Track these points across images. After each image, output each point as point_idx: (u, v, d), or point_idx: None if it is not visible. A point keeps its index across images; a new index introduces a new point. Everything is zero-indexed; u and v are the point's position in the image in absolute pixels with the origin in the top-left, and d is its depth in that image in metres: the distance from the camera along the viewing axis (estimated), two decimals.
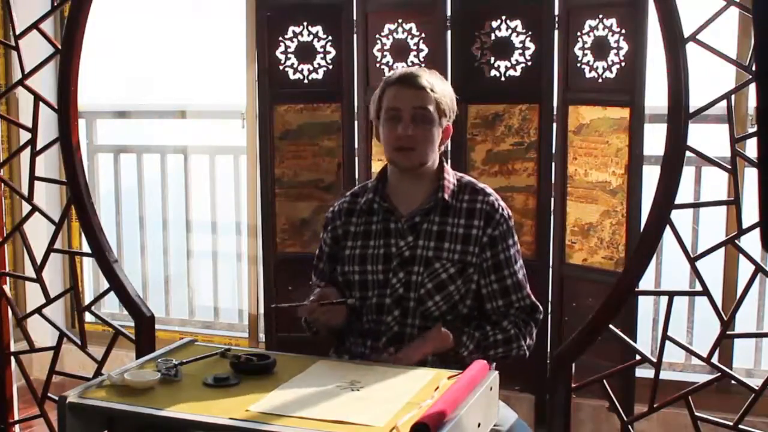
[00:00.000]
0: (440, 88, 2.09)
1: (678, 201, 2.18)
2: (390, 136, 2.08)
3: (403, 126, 2.05)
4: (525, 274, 2.16)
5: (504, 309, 2.11)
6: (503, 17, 2.74)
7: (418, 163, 2.08)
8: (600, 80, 2.62)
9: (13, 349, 2.77)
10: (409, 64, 2.83)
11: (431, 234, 2.09)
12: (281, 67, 2.93)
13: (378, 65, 2.85)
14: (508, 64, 2.76)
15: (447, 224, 2.10)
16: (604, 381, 2.29)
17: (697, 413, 2.24)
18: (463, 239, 2.08)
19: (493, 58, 2.76)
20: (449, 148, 2.80)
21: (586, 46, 2.64)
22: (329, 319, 2.04)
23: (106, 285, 2.64)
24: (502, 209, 2.13)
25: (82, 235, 2.85)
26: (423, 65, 2.81)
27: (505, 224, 2.12)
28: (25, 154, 2.68)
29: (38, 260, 2.67)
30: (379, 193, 2.15)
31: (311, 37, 2.91)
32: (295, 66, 2.93)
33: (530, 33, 2.73)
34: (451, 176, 2.15)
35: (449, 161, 2.77)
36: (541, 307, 2.16)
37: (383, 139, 2.12)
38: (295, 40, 2.92)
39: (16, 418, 2.82)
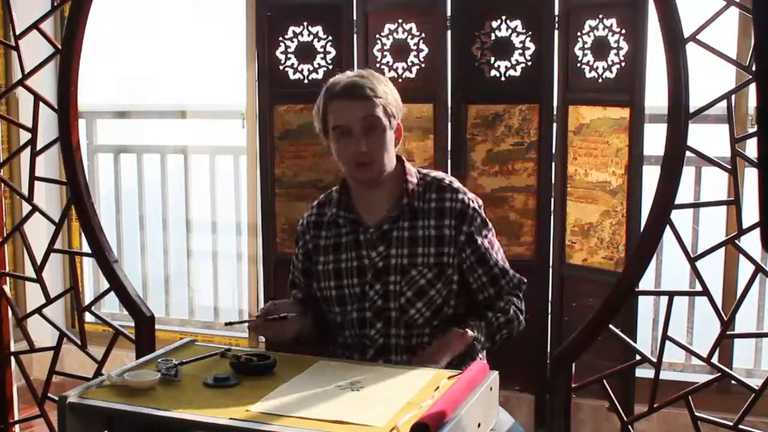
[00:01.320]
0: (383, 90, 2.04)
1: (678, 201, 2.18)
2: (346, 153, 2.03)
3: (356, 141, 2.00)
4: (503, 255, 2.16)
5: (496, 295, 2.12)
6: (503, 17, 2.74)
7: (378, 173, 2.05)
8: (600, 80, 2.62)
9: (13, 349, 2.77)
10: (409, 64, 2.83)
11: (403, 240, 2.06)
12: (281, 67, 2.93)
13: (378, 65, 2.85)
14: (508, 64, 2.75)
15: (417, 228, 2.06)
16: (604, 381, 2.29)
17: (697, 413, 2.24)
18: (436, 241, 2.05)
19: (493, 58, 2.76)
20: (449, 148, 2.81)
21: (586, 46, 2.64)
22: (275, 334, 2.02)
23: (106, 285, 2.64)
24: (472, 202, 2.09)
25: (82, 235, 2.84)
26: (423, 65, 2.81)
27: (478, 218, 2.09)
28: (25, 154, 2.68)
29: (38, 260, 2.67)
30: (343, 205, 2.12)
31: (311, 37, 2.91)
32: (295, 66, 2.92)
33: (530, 33, 2.72)
34: (413, 176, 2.10)
35: (449, 161, 2.79)
36: (524, 279, 2.18)
37: (338, 156, 2.06)
38: (295, 40, 2.92)
39: (16, 418, 2.82)
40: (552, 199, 2.76)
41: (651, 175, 2.36)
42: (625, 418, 2.30)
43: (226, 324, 2.24)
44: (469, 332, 2.02)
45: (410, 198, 2.07)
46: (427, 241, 2.06)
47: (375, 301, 2.06)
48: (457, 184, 2.12)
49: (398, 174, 2.10)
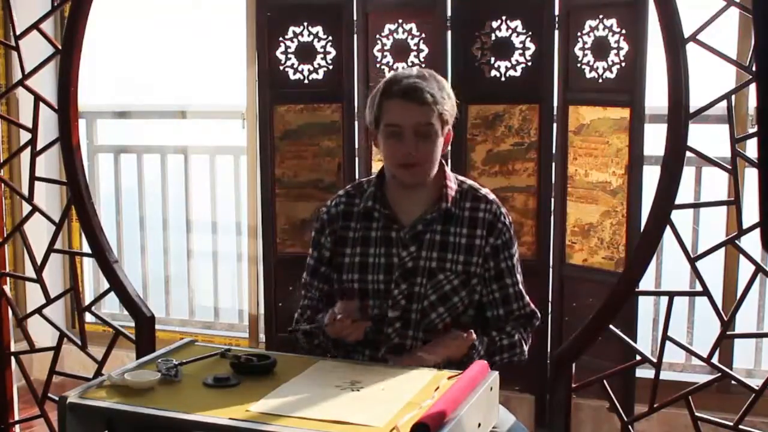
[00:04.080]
0: (442, 96, 2.00)
1: (678, 201, 2.18)
2: (393, 153, 2.02)
3: (407, 144, 1.98)
4: (523, 280, 2.14)
5: (504, 317, 2.09)
6: (503, 17, 2.74)
7: (422, 179, 2.04)
8: (600, 80, 2.62)
9: (13, 349, 2.77)
10: (409, 64, 2.82)
11: (434, 244, 2.05)
12: (281, 68, 2.93)
13: (378, 65, 2.85)
14: (509, 65, 2.76)
15: (450, 234, 2.05)
16: (604, 381, 2.29)
17: (697, 413, 2.24)
18: (466, 249, 2.04)
19: (493, 58, 2.76)
20: (449, 148, 2.80)
21: (587, 46, 2.64)
22: (358, 335, 1.97)
23: (106, 285, 2.64)
24: (504, 217, 2.09)
25: (82, 235, 2.85)
26: (423, 65, 2.81)
27: (507, 233, 2.08)
28: (26, 155, 2.68)
29: (38, 260, 2.67)
30: (379, 199, 2.10)
31: (311, 37, 2.91)
32: (295, 66, 2.92)
33: (530, 33, 2.73)
34: (452, 182, 2.10)
35: (450, 161, 2.78)
36: (539, 313, 2.15)
37: (385, 154, 2.05)
38: (295, 40, 2.92)
39: (17, 418, 2.82)
40: (552, 200, 2.77)
41: (651, 175, 2.36)
42: (625, 418, 2.30)
43: (290, 330, 2.09)
44: (473, 336, 2.00)
45: (448, 203, 2.06)
46: (458, 248, 2.05)
47: (398, 300, 2.04)
48: (492, 196, 2.11)
49: (437, 177, 2.08)
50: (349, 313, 1.96)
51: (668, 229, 2.18)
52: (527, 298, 2.12)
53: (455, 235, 2.06)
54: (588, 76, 2.65)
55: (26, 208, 2.73)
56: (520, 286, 2.11)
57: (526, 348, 2.10)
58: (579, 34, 2.65)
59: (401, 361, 1.97)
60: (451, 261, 2.04)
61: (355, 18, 2.87)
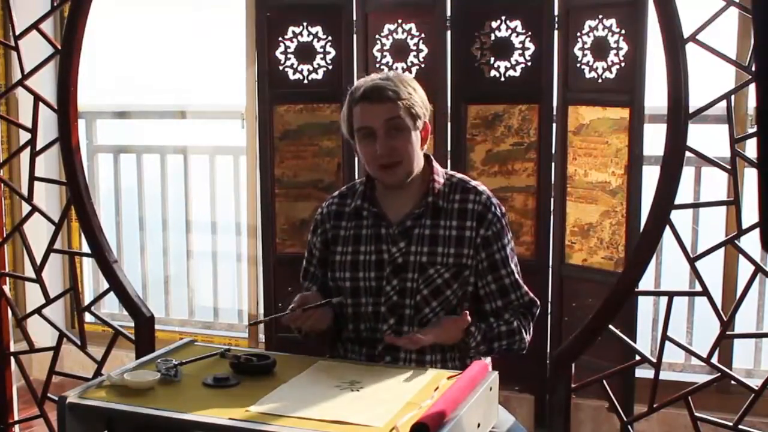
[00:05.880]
0: (407, 92, 2.02)
1: (678, 201, 2.18)
2: (371, 154, 2.02)
3: (380, 142, 2.00)
4: (519, 270, 2.13)
5: (503, 308, 2.09)
6: (503, 17, 2.74)
7: (405, 176, 2.04)
8: (600, 80, 2.62)
9: (13, 349, 2.77)
10: (409, 64, 2.83)
11: (424, 239, 2.05)
12: (281, 68, 2.93)
13: (378, 65, 2.85)
14: (508, 65, 2.76)
15: (439, 227, 2.05)
16: (604, 381, 2.29)
17: (696, 413, 2.24)
18: (456, 242, 2.04)
19: (492, 59, 2.77)
20: (449, 148, 2.81)
21: (586, 46, 2.64)
22: (314, 324, 2.00)
23: (105, 285, 2.64)
24: (495, 207, 2.08)
25: (82, 235, 2.84)
26: (422, 65, 2.81)
27: (498, 223, 2.07)
28: (25, 155, 2.68)
29: (38, 260, 2.67)
30: (368, 198, 2.11)
31: (311, 37, 2.91)
32: (294, 66, 2.93)
33: (530, 33, 2.73)
34: (440, 176, 2.10)
35: (449, 161, 2.79)
36: (538, 302, 2.15)
37: (364, 158, 2.07)
38: (294, 40, 2.92)
39: (16, 418, 2.82)
40: (552, 200, 2.77)
41: (651, 175, 2.36)
42: (625, 418, 2.30)
43: (251, 324, 2.17)
44: (468, 317, 1.98)
45: (435, 197, 2.07)
46: (448, 241, 2.05)
47: (390, 296, 2.05)
48: (482, 187, 2.11)
49: (425, 172, 2.09)
50: (301, 304, 1.97)
51: (668, 229, 2.18)
52: (525, 287, 2.11)
53: (445, 228, 2.06)
54: (587, 76, 2.65)
55: (26, 208, 2.73)
56: (516, 276, 2.10)
57: (526, 337, 2.08)
58: (578, 34, 2.65)
59: (398, 341, 1.96)
60: (441, 254, 2.04)
61: (354, 18, 2.88)
